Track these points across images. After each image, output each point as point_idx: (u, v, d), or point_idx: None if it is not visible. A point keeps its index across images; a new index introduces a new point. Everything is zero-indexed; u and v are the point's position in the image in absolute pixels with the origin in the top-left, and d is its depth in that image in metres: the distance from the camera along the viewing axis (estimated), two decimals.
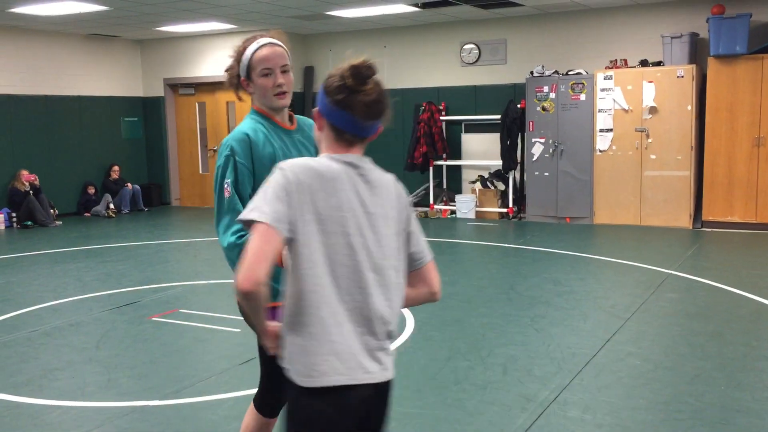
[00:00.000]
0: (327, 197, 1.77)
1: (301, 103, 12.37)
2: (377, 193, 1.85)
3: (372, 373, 1.79)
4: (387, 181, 1.90)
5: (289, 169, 1.77)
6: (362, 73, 1.81)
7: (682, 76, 9.15)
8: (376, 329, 1.81)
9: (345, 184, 1.80)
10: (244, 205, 2.23)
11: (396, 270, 1.86)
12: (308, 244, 1.75)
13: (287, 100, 2.37)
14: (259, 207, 1.71)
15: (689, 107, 9.18)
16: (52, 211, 10.97)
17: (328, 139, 1.86)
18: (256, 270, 1.64)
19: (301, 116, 2.54)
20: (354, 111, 1.80)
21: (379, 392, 1.84)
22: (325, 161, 1.82)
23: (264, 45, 2.37)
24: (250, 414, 2.57)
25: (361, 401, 1.79)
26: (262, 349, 2.43)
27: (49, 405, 3.84)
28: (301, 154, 2.40)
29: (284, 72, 2.37)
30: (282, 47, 2.39)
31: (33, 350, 4.80)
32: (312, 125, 2.30)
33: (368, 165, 1.87)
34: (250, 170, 2.32)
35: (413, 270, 1.94)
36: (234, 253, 2.22)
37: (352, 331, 1.78)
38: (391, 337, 1.87)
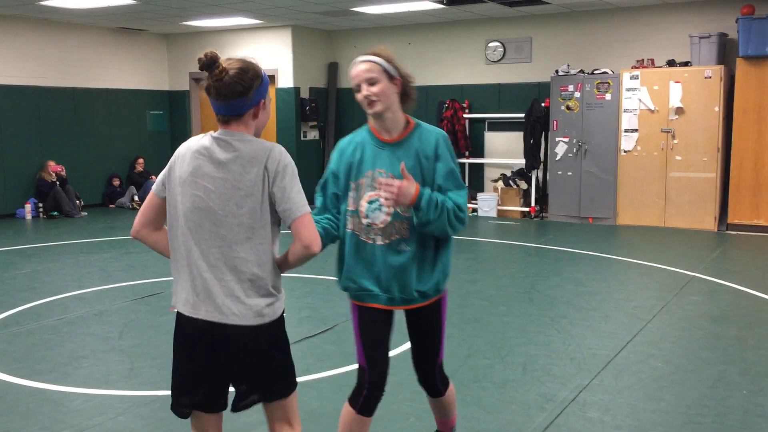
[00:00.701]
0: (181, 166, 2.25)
1: (324, 99, 12.41)
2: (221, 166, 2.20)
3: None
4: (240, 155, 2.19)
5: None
6: (204, 63, 2.17)
7: (710, 77, 9.04)
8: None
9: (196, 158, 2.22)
10: (325, 201, 2.66)
11: (240, 226, 2.19)
12: None
13: (378, 107, 2.55)
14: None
15: (716, 108, 9.06)
16: (77, 202, 11.12)
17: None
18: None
19: (429, 127, 2.66)
20: (210, 95, 2.21)
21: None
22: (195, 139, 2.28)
23: (353, 65, 2.60)
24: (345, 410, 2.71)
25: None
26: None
27: (73, 392, 3.91)
28: (391, 164, 2.57)
29: (371, 84, 2.55)
30: (369, 61, 2.56)
31: (58, 338, 4.88)
32: (432, 136, 2.60)
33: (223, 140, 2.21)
34: (335, 174, 2.65)
35: (288, 226, 2.24)
36: None
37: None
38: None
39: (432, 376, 2.79)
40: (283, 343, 2.32)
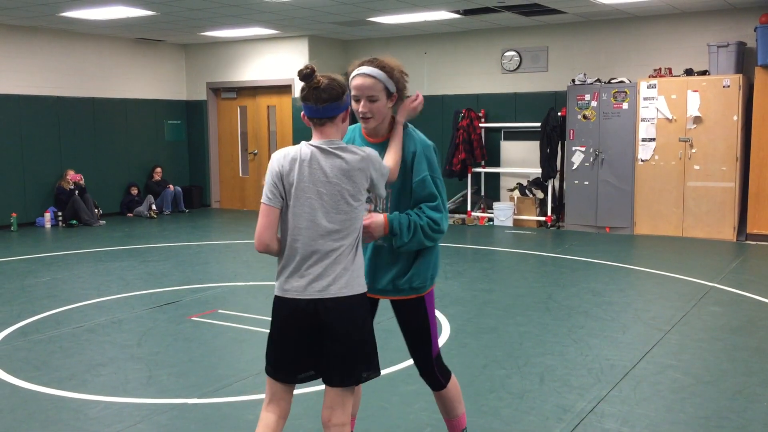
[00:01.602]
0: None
1: None
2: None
3: None
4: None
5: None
6: (305, 74, 2.44)
7: (728, 86, 8.98)
8: None
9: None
10: None
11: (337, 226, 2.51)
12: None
13: (371, 123, 2.72)
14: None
15: (735, 117, 9.00)
16: (96, 210, 11.23)
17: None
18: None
19: (415, 135, 2.80)
20: (309, 101, 2.48)
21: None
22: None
23: (358, 75, 2.69)
24: None
25: None
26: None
27: (92, 400, 3.94)
28: None
29: (371, 101, 2.67)
30: (372, 77, 2.67)
31: (77, 346, 4.92)
32: (411, 145, 2.75)
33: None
34: None
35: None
36: None
37: None
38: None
39: (430, 368, 2.91)
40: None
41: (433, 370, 2.92)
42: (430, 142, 2.82)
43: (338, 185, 2.43)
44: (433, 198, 2.72)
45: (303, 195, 2.43)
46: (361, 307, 2.49)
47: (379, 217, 2.63)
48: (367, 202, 2.66)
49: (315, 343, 2.46)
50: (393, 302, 2.87)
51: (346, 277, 2.44)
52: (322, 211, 2.42)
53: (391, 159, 2.67)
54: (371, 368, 2.52)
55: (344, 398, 2.50)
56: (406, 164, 2.74)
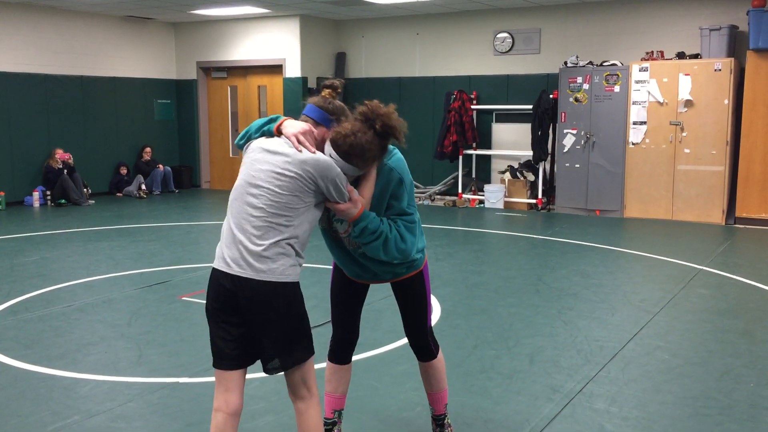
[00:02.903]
0: None
1: None
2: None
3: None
4: None
5: None
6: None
7: (720, 70, 8.99)
8: None
9: None
10: None
11: None
12: None
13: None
14: None
15: (726, 101, 9.02)
16: (85, 190, 11.16)
17: None
18: None
19: (391, 159, 2.72)
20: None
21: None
22: None
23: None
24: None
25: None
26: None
27: (83, 378, 3.94)
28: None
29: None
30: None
31: (67, 325, 4.91)
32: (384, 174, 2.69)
33: None
34: None
35: None
36: None
37: None
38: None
39: (423, 338, 3.00)
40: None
41: (426, 339, 3.01)
42: (401, 174, 2.71)
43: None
44: (406, 215, 2.71)
45: None
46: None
47: (356, 208, 2.56)
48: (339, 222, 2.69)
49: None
50: (393, 283, 2.92)
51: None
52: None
53: (365, 191, 2.62)
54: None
55: (299, 376, 2.54)
56: (386, 192, 2.69)
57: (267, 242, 2.41)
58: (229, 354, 2.50)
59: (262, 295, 2.40)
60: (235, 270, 2.42)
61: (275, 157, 2.46)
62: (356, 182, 2.65)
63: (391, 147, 2.72)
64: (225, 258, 2.45)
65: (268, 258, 2.40)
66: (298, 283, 2.50)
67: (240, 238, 2.43)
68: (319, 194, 2.48)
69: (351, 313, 3.01)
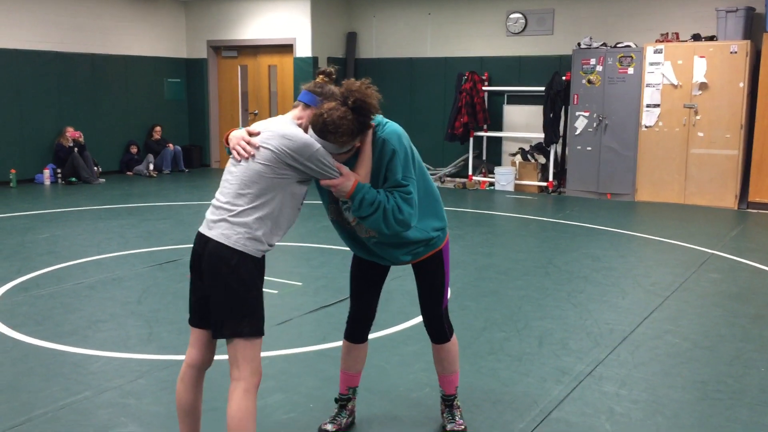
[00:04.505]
0: None
1: (343, 69, 12.32)
2: None
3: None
4: None
5: None
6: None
7: (736, 52, 8.87)
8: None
9: None
10: None
11: None
12: None
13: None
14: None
15: (741, 84, 8.91)
16: (95, 168, 11.18)
17: None
18: None
19: (384, 130, 2.71)
20: None
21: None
22: None
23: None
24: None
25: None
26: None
27: (93, 355, 3.96)
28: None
29: None
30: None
31: (78, 302, 4.94)
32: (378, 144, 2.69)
33: None
34: None
35: None
36: None
37: None
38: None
39: (438, 318, 3.00)
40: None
41: (441, 320, 3.01)
42: (394, 145, 2.68)
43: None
44: (401, 187, 2.68)
45: None
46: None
47: (349, 181, 2.58)
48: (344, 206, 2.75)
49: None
50: (414, 264, 2.94)
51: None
52: None
53: (361, 168, 2.65)
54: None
55: (234, 353, 2.53)
56: (381, 165, 2.69)
57: (236, 209, 2.50)
58: (192, 310, 2.68)
59: (214, 257, 2.48)
60: (203, 230, 2.57)
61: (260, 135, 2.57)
62: (353, 160, 2.66)
63: (384, 120, 2.73)
64: (205, 219, 2.61)
65: (233, 224, 2.50)
66: (255, 258, 2.51)
67: (215, 201, 2.60)
68: (298, 171, 2.52)
69: (369, 292, 3.02)
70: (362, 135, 2.61)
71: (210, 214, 2.58)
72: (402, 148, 2.69)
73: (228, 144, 2.63)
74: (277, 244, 2.60)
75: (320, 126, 2.51)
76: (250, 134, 2.57)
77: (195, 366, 2.73)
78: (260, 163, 2.50)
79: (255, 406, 2.53)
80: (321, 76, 2.74)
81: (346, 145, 2.56)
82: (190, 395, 2.73)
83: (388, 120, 2.74)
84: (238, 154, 2.55)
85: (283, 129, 2.54)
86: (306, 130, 2.58)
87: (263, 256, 2.56)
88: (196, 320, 2.68)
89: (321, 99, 2.64)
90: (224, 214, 2.51)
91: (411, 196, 2.68)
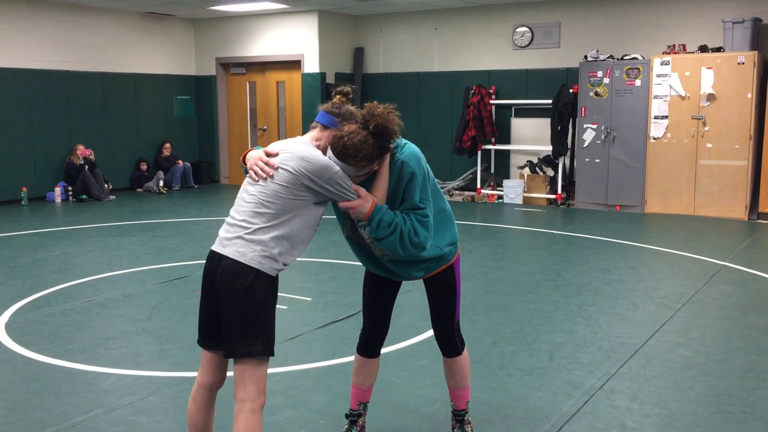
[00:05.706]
0: None
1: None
2: None
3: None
4: None
5: None
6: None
7: (743, 63, 8.87)
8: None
9: None
10: None
11: None
12: None
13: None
14: None
15: (749, 95, 8.90)
16: (106, 185, 11.25)
17: None
18: None
19: (403, 152, 2.73)
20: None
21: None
22: None
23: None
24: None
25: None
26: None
27: (104, 372, 3.97)
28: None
29: None
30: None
31: (89, 319, 4.96)
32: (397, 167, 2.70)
33: None
34: None
35: None
36: None
37: None
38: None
39: (450, 332, 3.02)
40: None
41: (453, 334, 3.02)
42: (413, 168, 2.69)
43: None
44: (418, 210, 2.69)
45: None
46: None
47: (367, 203, 2.58)
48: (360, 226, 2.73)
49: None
50: (425, 279, 2.97)
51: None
52: None
53: (378, 190, 2.65)
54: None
55: (242, 372, 2.50)
56: (399, 187, 2.70)
57: (253, 226, 2.49)
58: (202, 330, 2.66)
59: (228, 274, 2.46)
60: (217, 247, 2.55)
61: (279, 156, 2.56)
62: (370, 181, 2.67)
63: (403, 141, 2.74)
64: (218, 237, 2.59)
65: (249, 241, 2.48)
66: (270, 276, 2.51)
67: (229, 219, 2.57)
68: (316, 193, 2.52)
69: (382, 307, 3.03)
70: (381, 159, 2.63)
71: (224, 232, 2.56)
72: (420, 170, 2.70)
73: (245, 164, 2.63)
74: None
75: (340, 149, 2.51)
76: (268, 155, 2.56)
77: (207, 387, 2.72)
78: (278, 183, 2.48)
79: (261, 427, 2.52)
80: (338, 96, 2.71)
81: (364, 169, 2.57)
82: (202, 415, 2.72)
83: (407, 141, 2.75)
84: (256, 174, 2.54)
85: (303, 151, 2.52)
86: (325, 152, 2.57)
87: (277, 275, 2.56)
88: (206, 341, 2.66)
89: (339, 120, 2.63)
90: (240, 232, 2.50)
91: (427, 219, 2.69)
